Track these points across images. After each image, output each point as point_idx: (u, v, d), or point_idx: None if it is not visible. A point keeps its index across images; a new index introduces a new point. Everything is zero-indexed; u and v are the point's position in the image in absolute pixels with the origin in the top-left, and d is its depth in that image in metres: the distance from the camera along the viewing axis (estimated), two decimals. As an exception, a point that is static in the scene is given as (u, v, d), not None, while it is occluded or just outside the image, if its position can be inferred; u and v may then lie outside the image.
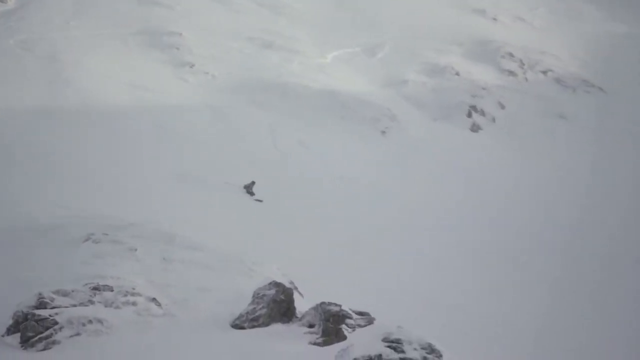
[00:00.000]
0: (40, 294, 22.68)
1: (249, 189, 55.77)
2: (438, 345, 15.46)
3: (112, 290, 23.85)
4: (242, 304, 23.73)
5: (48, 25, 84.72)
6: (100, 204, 43.72)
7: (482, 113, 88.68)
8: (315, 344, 20.92)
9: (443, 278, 47.32)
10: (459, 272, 49.42)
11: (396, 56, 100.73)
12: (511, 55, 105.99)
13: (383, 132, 79.08)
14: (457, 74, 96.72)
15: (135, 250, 29.26)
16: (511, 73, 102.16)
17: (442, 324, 34.47)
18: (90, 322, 21.65)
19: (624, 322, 43.79)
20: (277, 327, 22.79)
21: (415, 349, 15.21)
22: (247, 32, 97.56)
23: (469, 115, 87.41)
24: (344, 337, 20.82)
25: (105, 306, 23.10)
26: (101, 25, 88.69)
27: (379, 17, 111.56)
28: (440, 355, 15.31)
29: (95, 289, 23.71)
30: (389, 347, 15.17)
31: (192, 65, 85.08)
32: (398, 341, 15.31)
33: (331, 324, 21.55)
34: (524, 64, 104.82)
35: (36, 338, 21.06)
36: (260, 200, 55.11)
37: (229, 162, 62.93)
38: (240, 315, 23.13)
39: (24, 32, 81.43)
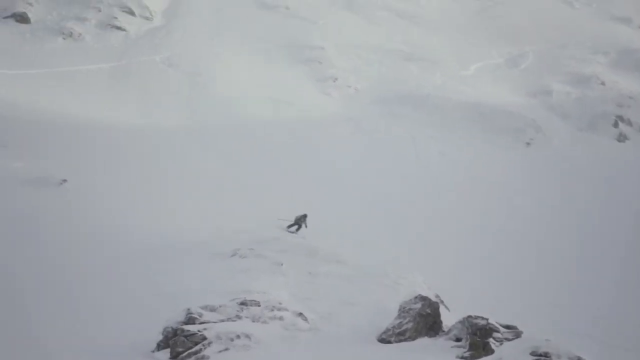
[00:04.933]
0: (188, 309, 23.05)
1: (300, 222, 43.33)
2: (587, 358, 15.05)
3: (259, 305, 24.05)
4: (388, 318, 23.63)
5: (192, 42, 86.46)
6: (245, 216, 44.19)
7: (629, 123, 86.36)
8: (462, 358, 20.67)
9: (591, 294, 46.30)
10: (600, 285, 48.31)
11: (539, 66, 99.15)
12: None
13: (528, 144, 77.99)
14: (603, 83, 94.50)
15: (281, 264, 29.49)
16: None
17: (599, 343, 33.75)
18: (238, 337, 21.85)
19: None
20: (423, 341, 22.62)
21: (564, 363, 14.86)
22: (386, 44, 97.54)
23: (615, 125, 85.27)
24: (492, 351, 20.50)
25: (253, 321, 23.31)
26: (244, 40, 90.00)
27: (520, 27, 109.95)
28: (590, 369, 14.93)
29: (243, 303, 23.97)
30: (537, 360, 14.85)
31: (335, 79, 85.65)
32: (546, 354, 14.99)
33: (478, 338, 21.26)
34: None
35: (185, 353, 21.38)
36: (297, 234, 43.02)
37: (370, 173, 63.09)
38: (387, 330, 23.04)
39: (169, 49, 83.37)
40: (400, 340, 22.57)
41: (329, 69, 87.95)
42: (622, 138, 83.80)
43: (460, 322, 22.33)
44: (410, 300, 24.13)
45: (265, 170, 59.03)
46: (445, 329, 23.50)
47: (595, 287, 47.23)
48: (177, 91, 74.40)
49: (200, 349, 21.48)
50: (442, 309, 25.04)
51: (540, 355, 15.05)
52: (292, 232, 42.85)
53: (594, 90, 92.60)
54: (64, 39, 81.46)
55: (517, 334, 22.10)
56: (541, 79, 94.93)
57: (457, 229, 54.97)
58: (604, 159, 76.96)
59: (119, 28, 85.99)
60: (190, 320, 22.69)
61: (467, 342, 21.32)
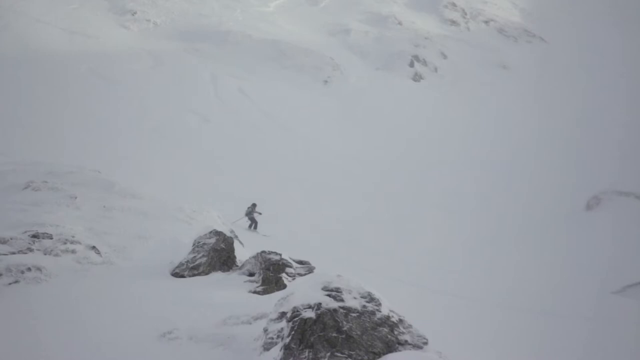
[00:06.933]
0: (-23, 241, 22.46)
1: (250, 214, 41.54)
2: (377, 294, 15.59)
3: (51, 238, 23.66)
4: (182, 252, 23.75)
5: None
6: (39, 150, 43.25)
7: (424, 63, 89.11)
8: (255, 292, 21.01)
9: (378, 228, 47.91)
10: (390, 224, 50.01)
11: (339, 5, 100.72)
12: (454, 4, 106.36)
13: (325, 82, 79.16)
14: (400, 23, 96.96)
15: (75, 198, 29.03)
16: (453, 23, 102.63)
17: (374, 269, 34.95)
18: (29, 269, 21.45)
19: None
20: (217, 276, 22.85)
21: (354, 298, 15.27)
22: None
23: (411, 64, 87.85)
24: (284, 286, 20.93)
25: (45, 254, 22.91)
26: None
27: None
28: (380, 304, 15.41)
29: (35, 236, 23.52)
30: (328, 295, 15.21)
31: (134, 13, 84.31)
32: (337, 290, 15.36)
33: (271, 273, 21.65)
34: (466, 14, 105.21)
35: (-26, 285, 20.88)
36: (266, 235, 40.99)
37: (169, 109, 62.65)
38: (180, 264, 23.14)
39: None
40: (193, 275, 22.71)
41: (129, 2, 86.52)
42: (417, 77, 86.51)
43: (253, 257, 22.66)
44: (205, 235, 24.32)
45: (60, 102, 57.74)
46: (239, 263, 23.80)
47: (385, 230, 48.76)
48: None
49: (-10, 282, 21.02)
50: (236, 244, 25.36)
51: (332, 290, 15.40)
52: (252, 230, 41.09)
53: (391, 30, 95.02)
54: None
55: (310, 270, 22.66)
56: (340, 18, 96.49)
57: (254, 164, 55.49)
58: (400, 98, 79.21)
59: None
60: (-21, 252, 22.12)
61: (260, 277, 21.68)
